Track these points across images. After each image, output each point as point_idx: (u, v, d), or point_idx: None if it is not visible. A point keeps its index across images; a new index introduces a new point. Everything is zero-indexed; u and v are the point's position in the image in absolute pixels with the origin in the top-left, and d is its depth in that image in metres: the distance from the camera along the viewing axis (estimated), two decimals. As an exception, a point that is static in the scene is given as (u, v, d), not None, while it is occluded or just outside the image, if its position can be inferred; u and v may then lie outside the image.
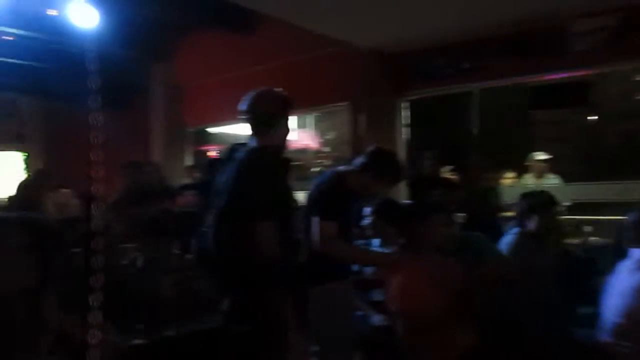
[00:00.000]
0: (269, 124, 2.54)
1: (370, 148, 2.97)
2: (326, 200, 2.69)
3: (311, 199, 2.82)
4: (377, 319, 3.02)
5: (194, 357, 2.79)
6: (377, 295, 3.10)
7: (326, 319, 2.61)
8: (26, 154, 10.37)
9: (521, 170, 6.27)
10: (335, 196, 2.72)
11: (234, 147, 2.61)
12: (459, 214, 3.69)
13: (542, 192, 3.46)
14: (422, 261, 1.59)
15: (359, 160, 2.91)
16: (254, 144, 2.55)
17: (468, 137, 6.46)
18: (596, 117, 7.52)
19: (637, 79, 7.09)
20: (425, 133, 6.47)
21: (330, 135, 8.25)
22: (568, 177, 6.18)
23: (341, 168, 2.99)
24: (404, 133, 6.21)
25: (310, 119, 8.42)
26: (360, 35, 5.59)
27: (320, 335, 2.66)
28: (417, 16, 4.94)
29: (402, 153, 5.98)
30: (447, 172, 5.69)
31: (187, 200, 5.66)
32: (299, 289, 2.49)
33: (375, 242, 3.32)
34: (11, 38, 6.84)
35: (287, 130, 2.63)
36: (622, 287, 2.34)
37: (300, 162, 7.52)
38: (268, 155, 2.46)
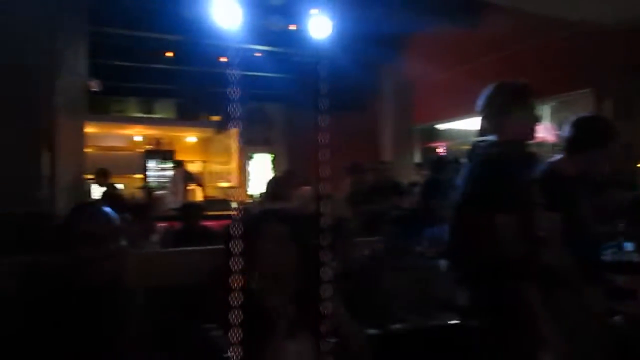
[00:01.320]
0: (505, 116, 2.43)
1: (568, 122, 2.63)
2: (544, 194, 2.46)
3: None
4: None
5: (429, 351, 2.84)
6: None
7: (571, 326, 2.39)
8: (272, 155, 11.63)
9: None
10: (551, 188, 2.46)
11: (475, 144, 2.54)
12: None
13: None
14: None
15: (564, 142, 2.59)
16: (493, 138, 2.46)
17: None
18: None
19: None
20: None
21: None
22: None
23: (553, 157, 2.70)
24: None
25: (546, 109, 7.82)
26: (599, 13, 4.99)
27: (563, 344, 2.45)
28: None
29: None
30: None
31: (414, 198, 5.73)
32: (542, 289, 2.32)
33: (627, 245, 2.93)
34: (259, 54, 7.75)
35: (528, 122, 2.47)
36: None
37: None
38: (507, 149, 2.36)
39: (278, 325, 1.70)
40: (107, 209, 1.67)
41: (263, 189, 7.61)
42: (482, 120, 2.53)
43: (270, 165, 11.66)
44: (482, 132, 2.54)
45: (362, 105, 9.75)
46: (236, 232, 1.45)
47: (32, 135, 3.99)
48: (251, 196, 10.73)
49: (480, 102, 2.52)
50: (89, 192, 7.86)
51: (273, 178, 6.46)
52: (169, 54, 7.68)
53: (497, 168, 2.29)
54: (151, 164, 10.87)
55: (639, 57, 5.25)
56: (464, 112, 6.91)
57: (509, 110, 2.42)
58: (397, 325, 2.89)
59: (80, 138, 5.19)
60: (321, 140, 1.44)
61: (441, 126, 8.16)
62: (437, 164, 5.86)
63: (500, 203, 2.21)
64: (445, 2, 5.86)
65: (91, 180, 7.21)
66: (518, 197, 2.25)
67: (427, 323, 2.96)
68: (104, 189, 7.55)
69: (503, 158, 2.32)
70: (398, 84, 8.10)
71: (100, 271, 1.58)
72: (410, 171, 7.33)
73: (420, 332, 2.94)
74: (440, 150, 8.13)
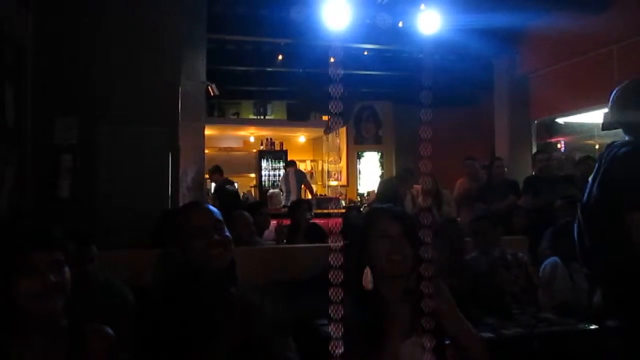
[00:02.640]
0: (635, 114, 2.28)
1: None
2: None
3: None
4: None
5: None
6: None
7: None
8: (380, 153, 11.60)
9: None
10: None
11: (609, 145, 2.41)
12: None
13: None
14: None
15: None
16: (627, 138, 2.32)
17: None
18: None
19: None
20: None
21: None
22: None
23: None
24: None
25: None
26: None
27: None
28: None
29: None
30: None
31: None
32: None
33: None
34: (368, 53, 7.78)
35: None
36: None
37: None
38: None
39: (393, 325, 1.71)
40: (209, 205, 1.86)
41: (373, 187, 7.61)
42: (611, 115, 2.40)
43: (379, 164, 11.64)
44: (606, 126, 2.41)
45: (475, 100, 9.45)
46: (350, 230, 1.47)
47: (160, 137, 4.31)
48: (361, 194, 10.80)
49: (613, 97, 2.38)
50: (208, 189, 8.36)
51: (390, 178, 6.46)
52: (280, 57, 7.92)
53: (633, 167, 2.16)
54: (264, 164, 11.31)
55: None
56: (584, 105, 6.49)
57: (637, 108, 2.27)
58: (512, 330, 2.79)
59: (201, 139, 5.51)
60: (430, 138, 1.42)
61: (561, 120, 7.69)
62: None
63: (636, 202, 2.08)
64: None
65: (207, 178, 7.63)
66: None
67: (546, 328, 2.83)
68: (218, 184, 8.01)
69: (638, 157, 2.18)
70: (513, 77, 7.75)
71: (213, 259, 1.72)
72: (526, 167, 6.99)
73: (539, 337, 2.82)
74: (561, 145, 7.68)
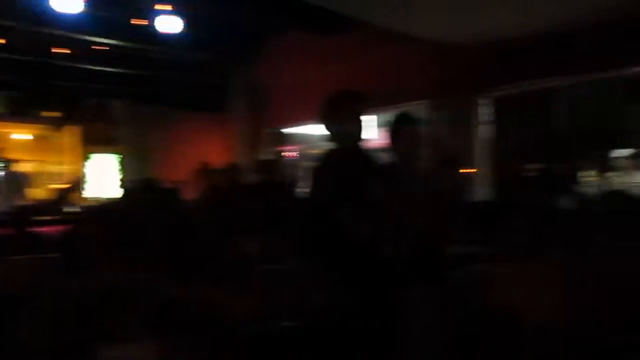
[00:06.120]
0: (341, 123, 2.62)
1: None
2: None
3: None
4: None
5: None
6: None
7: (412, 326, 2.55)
8: (120, 156, 10.93)
9: (609, 166, 5.88)
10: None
11: (320, 151, 2.72)
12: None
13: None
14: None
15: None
16: (332, 144, 2.63)
17: (556, 133, 6.15)
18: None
19: None
20: (510, 130, 6.23)
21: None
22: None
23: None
24: (485, 131, 6.01)
25: (386, 117, 8.31)
26: (439, 31, 5.47)
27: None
28: (498, 9, 4.77)
29: (482, 150, 5.84)
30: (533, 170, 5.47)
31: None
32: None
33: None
34: (105, 48, 7.29)
35: (361, 128, 2.65)
36: None
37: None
38: (344, 153, 2.54)
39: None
40: None
41: (109, 191, 7.12)
42: (324, 126, 2.71)
43: (118, 167, 10.94)
44: (326, 136, 2.71)
45: (216, 105, 9.57)
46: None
47: None
48: (87, 199, 9.95)
49: (320, 109, 2.69)
50: None
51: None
52: (1, 41, 6.88)
53: (336, 172, 2.46)
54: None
55: (469, 74, 5.84)
56: (313, 117, 7.11)
57: (344, 117, 2.62)
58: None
59: None
60: (173, 140, 1.40)
61: (295, 130, 8.33)
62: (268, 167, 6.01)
63: (343, 201, 2.35)
64: (303, 8, 5.99)
65: None
66: (360, 196, 2.40)
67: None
68: None
69: (341, 163, 2.49)
70: (253, 85, 8.11)
71: None
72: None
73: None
74: (290, 153, 8.28)
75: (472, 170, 5.66)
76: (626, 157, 5.77)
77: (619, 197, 3.09)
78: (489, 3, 4.63)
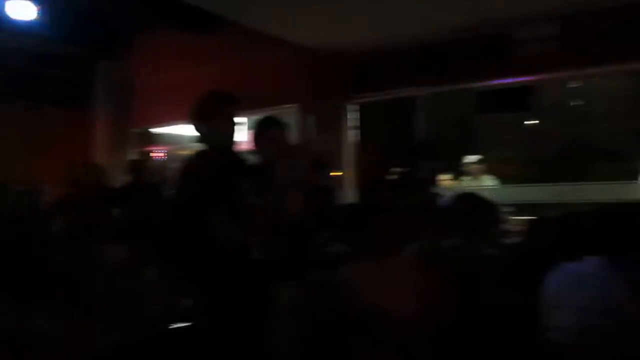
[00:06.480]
0: (210, 124, 2.60)
1: None
2: None
3: None
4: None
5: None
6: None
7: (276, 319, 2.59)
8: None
9: (463, 172, 6.44)
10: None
11: (190, 152, 2.66)
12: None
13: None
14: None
15: None
16: (201, 146, 2.60)
17: (415, 140, 6.59)
18: (537, 122, 7.81)
19: (573, 86, 7.41)
20: (375, 135, 6.55)
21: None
22: (512, 179, 6.38)
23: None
24: (353, 135, 6.26)
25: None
26: (311, 37, 5.61)
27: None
28: (368, 18, 5.00)
29: (350, 155, 6.07)
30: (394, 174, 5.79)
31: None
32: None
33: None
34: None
35: (232, 130, 2.65)
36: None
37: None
38: (212, 156, 2.52)
39: None
40: None
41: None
42: (194, 126, 2.68)
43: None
44: (196, 138, 2.68)
45: (79, 102, 8.93)
46: None
47: None
48: None
49: (190, 109, 2.66)
50: None
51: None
52: None
53: (205, 174, 2.44)
54: None
55: (337, 80, 6.05)
56: (183, 117, 6.92)
57: (215, 118, 2.61)
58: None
59: None
60: (29, 139, 1.30)
61: (160, 130, 8.05)
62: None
63: (210, 204, 2.34)
64: (174, 5, 5.80)
65: None
66: (228, 199, 2.40)
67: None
68: None
69: (208, 165, 2.48)
70: (119, 82, 7.71)
71: None
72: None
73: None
74: (157, 154, 8.01)
75: (340, 174, 5.86)
76: (475, 163, 6.34)
77: (469, 199, 3.36)
78: (359, 12, 4.82)
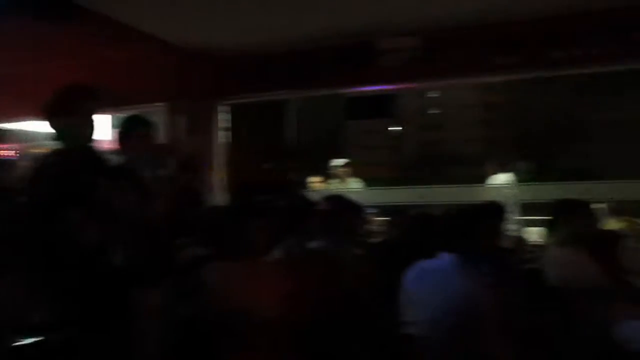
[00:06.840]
0: (66, 121, 2.45)
1: None
2: None
3: None
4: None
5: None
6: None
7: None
8: None
9: (331, 175, 6.65)
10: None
11: (47, 150, 2.48)
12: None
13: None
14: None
15: None
16: (57, 144, 2.44)
17: (286, 143, 6.70)
18: (400, 128, 8.29)
19: (431, 95, 7.98)
20: (246, 138, 6.55)
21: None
22: (376, 182, 6.70)
23: None
24: (224, 137, 6.21)
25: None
26: (182, 36, 5.48)
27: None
28: (241, 21, 5.00)
29: (220, 156, 6.01)
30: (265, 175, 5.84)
31: None
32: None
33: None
34: None
35: (87, 128, 2.51)
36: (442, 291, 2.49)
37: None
38: (70, 154, 2.38)
39: None
40: None
41: None
42: (50, 123, 2.52)
43: None
44: (52, 135, 2.52)
45: None
46: None
47: None
48: None
49: (46, 104, 2.50)
50: None
51: None
52: None
53: (61, 174, 2.32)
54: None
55: (209, 81, 5.96)
56: (37, 113, 6.43)
57: (72, 114, 2.48)
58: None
59: None
60: None
61: (15, 126, 7.40)
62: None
63: (65, 205, 2.23)
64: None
65: None
66: (82, 199, 2.30)
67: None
68: None
69: (64, 164, 2.35)
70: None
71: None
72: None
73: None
74: (8, 152, 7.38)
75: (209, 175, 5.78)
76: (342, 166, 6.59)
77: (336, 201, 3.49)
78: (232, 14, 4.81)
